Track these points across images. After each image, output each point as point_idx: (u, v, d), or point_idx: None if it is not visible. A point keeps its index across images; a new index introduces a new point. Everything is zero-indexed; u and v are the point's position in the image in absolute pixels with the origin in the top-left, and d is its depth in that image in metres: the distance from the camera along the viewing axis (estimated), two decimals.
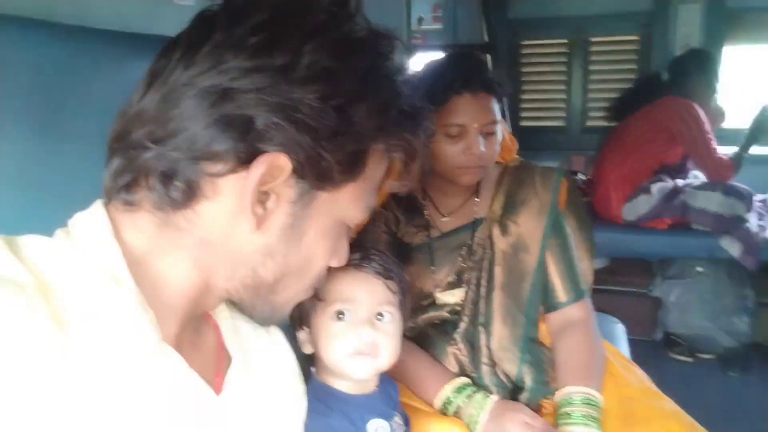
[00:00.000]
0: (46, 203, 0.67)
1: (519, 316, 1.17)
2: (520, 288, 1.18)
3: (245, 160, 0.52)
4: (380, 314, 0.88)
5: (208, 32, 0.53)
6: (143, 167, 0.53)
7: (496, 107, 1.16)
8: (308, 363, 0.94)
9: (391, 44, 0.60)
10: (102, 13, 0.82)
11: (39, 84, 0.69)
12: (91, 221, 0.55)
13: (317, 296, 0.87)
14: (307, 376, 0.92)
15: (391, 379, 1.00)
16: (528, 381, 1.13)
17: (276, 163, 0.53)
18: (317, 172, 0.55)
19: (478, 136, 1.13)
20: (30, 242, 0.51)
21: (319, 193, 0.58)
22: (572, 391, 1.06)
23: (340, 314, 0.86)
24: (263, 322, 0.68)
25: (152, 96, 0.53)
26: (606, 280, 2.97)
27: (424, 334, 1.20)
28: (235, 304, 0.65)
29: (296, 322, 0.92)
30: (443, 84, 1.13)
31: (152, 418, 0.52)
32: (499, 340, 1.15)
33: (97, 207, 0.56)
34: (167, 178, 0.53)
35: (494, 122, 1.15)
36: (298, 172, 0.54)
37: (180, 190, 0.53)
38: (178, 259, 0.57)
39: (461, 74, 1.14)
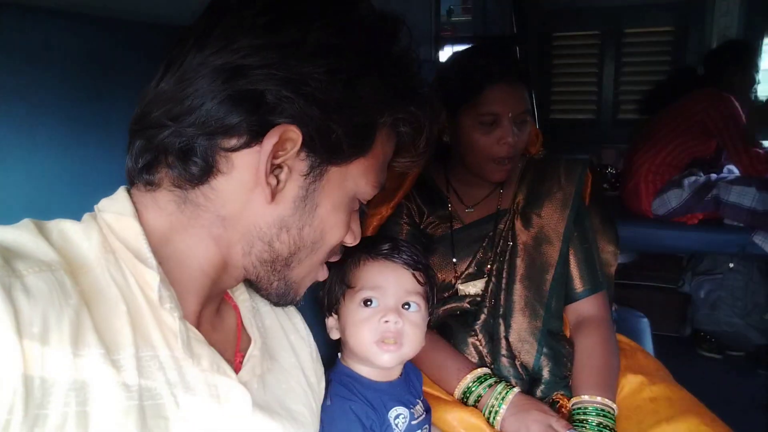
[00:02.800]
0: (78, 190, 0.70)
1: (539, 308, 1.17)
2: (541, 280, 1.18)
3: (258, 133, 0.55)
4: (407, 304, 0.90)
5: (219, 17, 0.57)
6: (162, 145, 0.56)
7: (527, 97, 1.17)
8: (334, 349, 0.97)
9: (396, 26, 0.63)
10: (132, 5, 0.84)
11: (71, 74, 0.72)
12: (115, 205, 0.58)
13: (347, 283, 0.91)
14: (330, 362, 0.95)
15: (414, 368, 1.02)
16: (545, 374, 1.14)
17: (287, 135, 0.56)
18: (327, 145, 0.58)
19: (512, 126, 1.13)
20: (60, 226, 0.54)
21: (330, 167, 0.61)
22: (588, 401, 1.07)
23: (367, 301, 0.88)
24: (278, 300, 0.69)
25: (169, 79, 0.56)
26: (634, 275, 2.94)
27: (444, 324, 1.22)
28: (253, 285, 0.68)
29: (325, 308, 0.95)
30: (479, 73, 1.14)
31: (171, 391, 0.54)
32: (518, 331, 1.16)
33: (120, 192, 0.60)
34: (185, 154, 0.56)
35: (527, 111, 1.16)
36: (309, 144, 0.57)
37: (198, 166, 0.56)
38: (198, 236, 0.59)
39: (497, 63, 1.14)
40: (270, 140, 0.55)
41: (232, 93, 0.54)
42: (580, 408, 1.07)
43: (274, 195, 0.58)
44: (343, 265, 0.92)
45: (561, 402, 1.13)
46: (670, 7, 3.38)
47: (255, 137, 0.55)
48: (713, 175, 2.64)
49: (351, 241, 0.70)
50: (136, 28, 0.80)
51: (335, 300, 0.92)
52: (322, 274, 0.71)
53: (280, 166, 0.58)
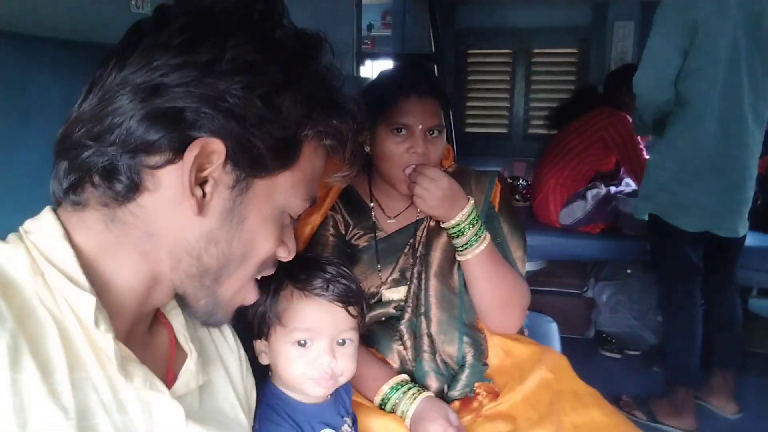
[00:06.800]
0: (6, 209, 0.68)
1: (454, 300, 1.26)
2: (450, 273, 1.27)
3: (179, 149, 0.56)
4: (341, 340, 0.90)
5: (139, 38, 0.58)
6: (85, 165, 0.56)
7: (441, 113, 1.24)
8: (266, 367, 0.95)
9: (315, 42, 0.65)
10: (60, 23, 0.82)
11: None
12: (43, 226, 0.58)
13: (278, 319, 0.88)
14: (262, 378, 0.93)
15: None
16: (469, 359, 1.23)
17: (211, 147, 0.57)
18: (250, 159, 0.59)
19: (422, 137, 1.20)
20: None
21: (256, 181, 0.62)
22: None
23: (300, 342, 0.87)
24: (206, 319, 0.69)
25: (91, 99, 0.57)
26: (543, 282, 3.10)
27: (369, 331, 1.25)
28: (181, 302, 0.68)
29: (254, 331, 0.92)
30: (394, 86, 1.21)
31: (106, 412, 0.54)
32: (438, 323, 1.23)
33: (46, 212, 0.59)
34: (109, 173, 0.56)
35: (438, 126, 1.22)
36: (233, 158, 0.58)
37: (122, 184, 0.56)
38: (127, 254, 0.60)
39: (410, 78, 1.23)
40: (191, 153, 0.56)
41: (150, 110, 0.55)
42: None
43: (201, 207, 0.58)
44: (275, 295, 0.89)
45: (478, 391, 1.20)
46: (574, 31, 3.63)
47: (177, 153, 0.56)
48: (612, 188, 2.83)
49: (285, 255, 0.71)
50: (67, 47, 0.79)
51: (266, 327, 0.90)
52: (252, 297, 0.71)
53: (206, 180, 0.58)
